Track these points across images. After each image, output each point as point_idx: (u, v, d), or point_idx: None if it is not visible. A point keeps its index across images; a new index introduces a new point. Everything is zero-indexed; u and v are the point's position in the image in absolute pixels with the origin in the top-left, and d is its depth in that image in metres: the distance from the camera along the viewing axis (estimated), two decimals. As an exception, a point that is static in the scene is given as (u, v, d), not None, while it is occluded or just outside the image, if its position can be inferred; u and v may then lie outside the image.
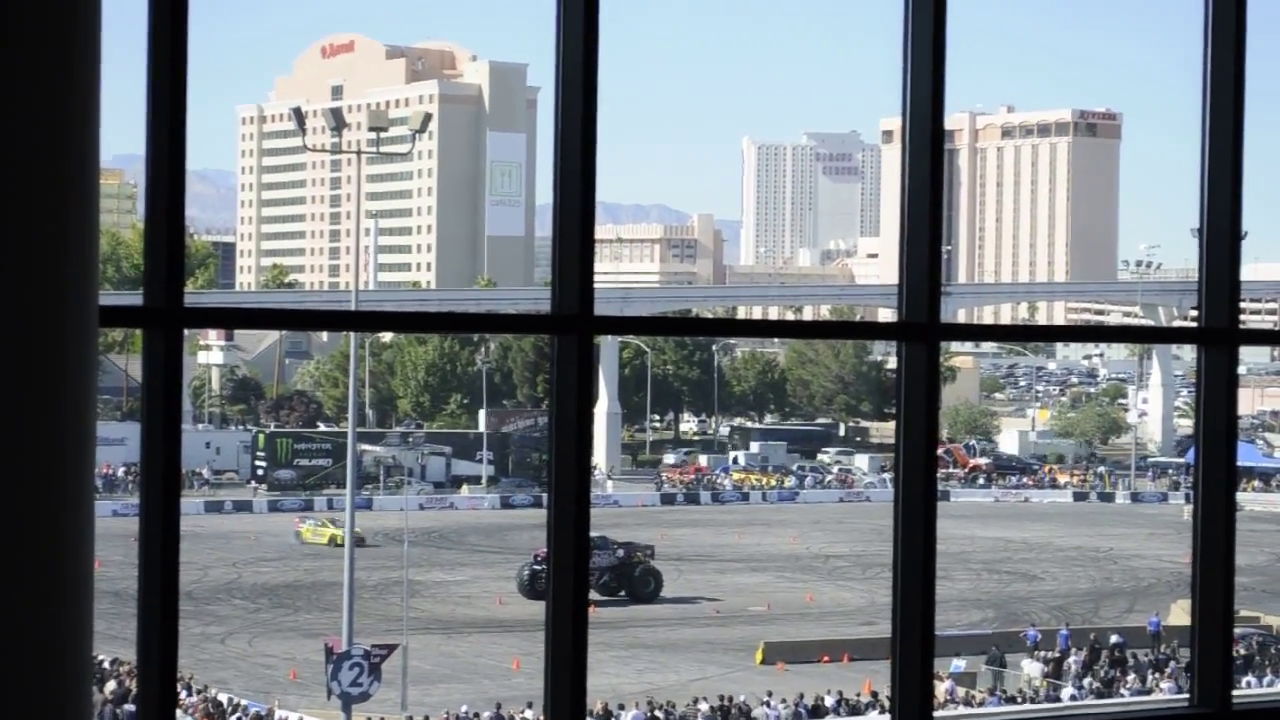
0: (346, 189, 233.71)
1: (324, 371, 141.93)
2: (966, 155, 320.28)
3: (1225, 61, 9.61)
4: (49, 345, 4.91)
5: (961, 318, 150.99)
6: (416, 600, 68.28)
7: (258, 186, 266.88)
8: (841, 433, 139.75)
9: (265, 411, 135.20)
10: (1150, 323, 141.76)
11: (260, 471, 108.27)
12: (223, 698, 49.43)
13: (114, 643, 52.03)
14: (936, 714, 8.85)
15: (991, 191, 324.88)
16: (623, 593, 71.29)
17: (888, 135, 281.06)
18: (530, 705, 46.86)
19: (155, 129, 7.17)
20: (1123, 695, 49.68)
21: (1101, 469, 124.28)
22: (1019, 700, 49.95)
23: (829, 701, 49.39)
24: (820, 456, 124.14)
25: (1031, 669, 54.96)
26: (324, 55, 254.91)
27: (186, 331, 7.66)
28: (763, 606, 71.22)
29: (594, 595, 61.90)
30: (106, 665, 49.97)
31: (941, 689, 48.54)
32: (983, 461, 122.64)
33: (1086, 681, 53.13)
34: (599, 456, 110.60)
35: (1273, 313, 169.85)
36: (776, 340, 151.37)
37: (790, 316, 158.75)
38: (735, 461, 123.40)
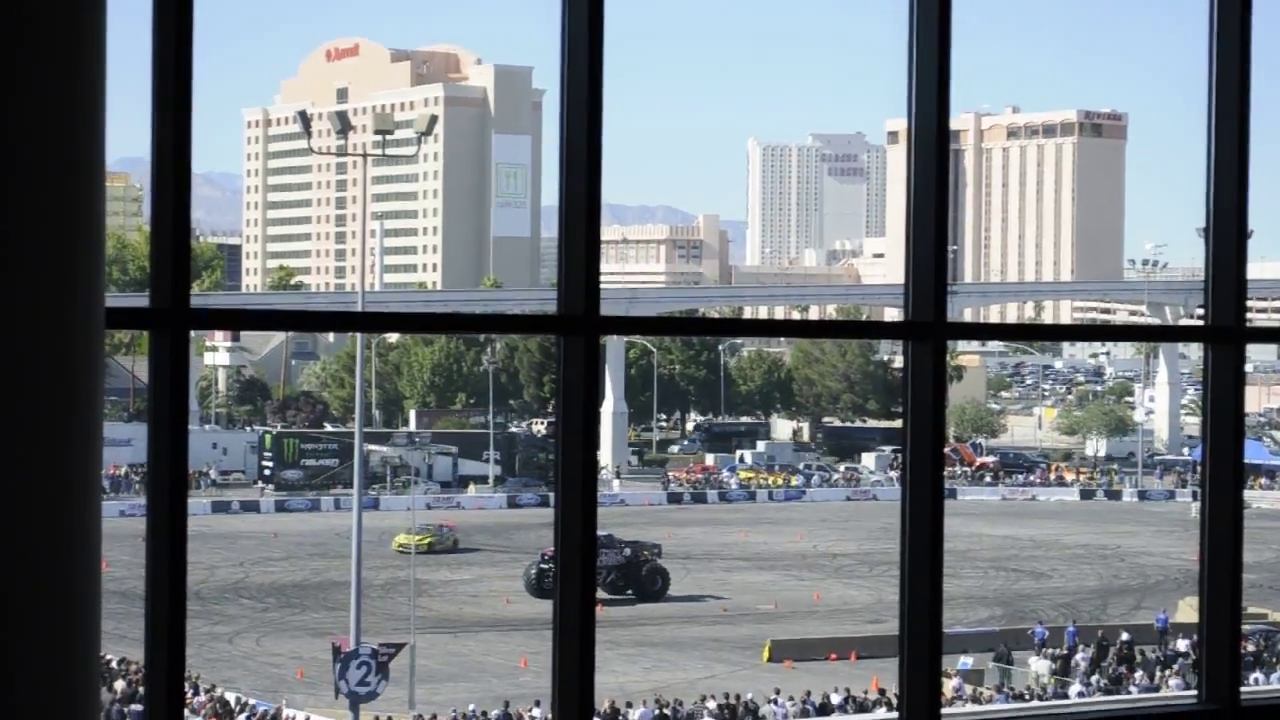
0: (352, 191, 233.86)
1: (330, 372, 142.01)
2: (972, 156, 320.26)
3: (1231, 61, 9.61)
4: (56, 347, 4.92)
5: (968, 317, 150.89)
6: (424, 599, 68.30)
7: (263, 189, 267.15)
8: (773, 431, 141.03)
9: (272, 412, 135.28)
10: (1157, 321, 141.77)
11: (267, 472, 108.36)
12: (230, 697, 49.47)
13: (122, 642, 52.08)
14: (944, 711, 8.86)
15: (997, 192, 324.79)
16: (630, 591, 71.27)
17: (893, 136, 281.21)
18: (538, 704, 46.87)
19: (161, 132, 7.18)
20: (1130, 692, 49.64)
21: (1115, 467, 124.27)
22: (1026, 697, 49.97)
23: (836, 699, 49.34)
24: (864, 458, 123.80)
25: (1039, 666, 54.94)
26: (329, 59, 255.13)
27: (193, 333, 7.67)
28: (770, 605, 71.20)
29: (601, 594, 61.98)
30: (114, 665, 50.00)
31: (949, 686, 48.53)
32: (990, 460, 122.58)
33: (1094, 679, 53.09)
34: (605, 456, 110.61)
35: (1279, 311, 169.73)
36: (782, 340, 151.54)
37: (796, 316, 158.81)
38: (742, 460, 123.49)
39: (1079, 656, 55.65)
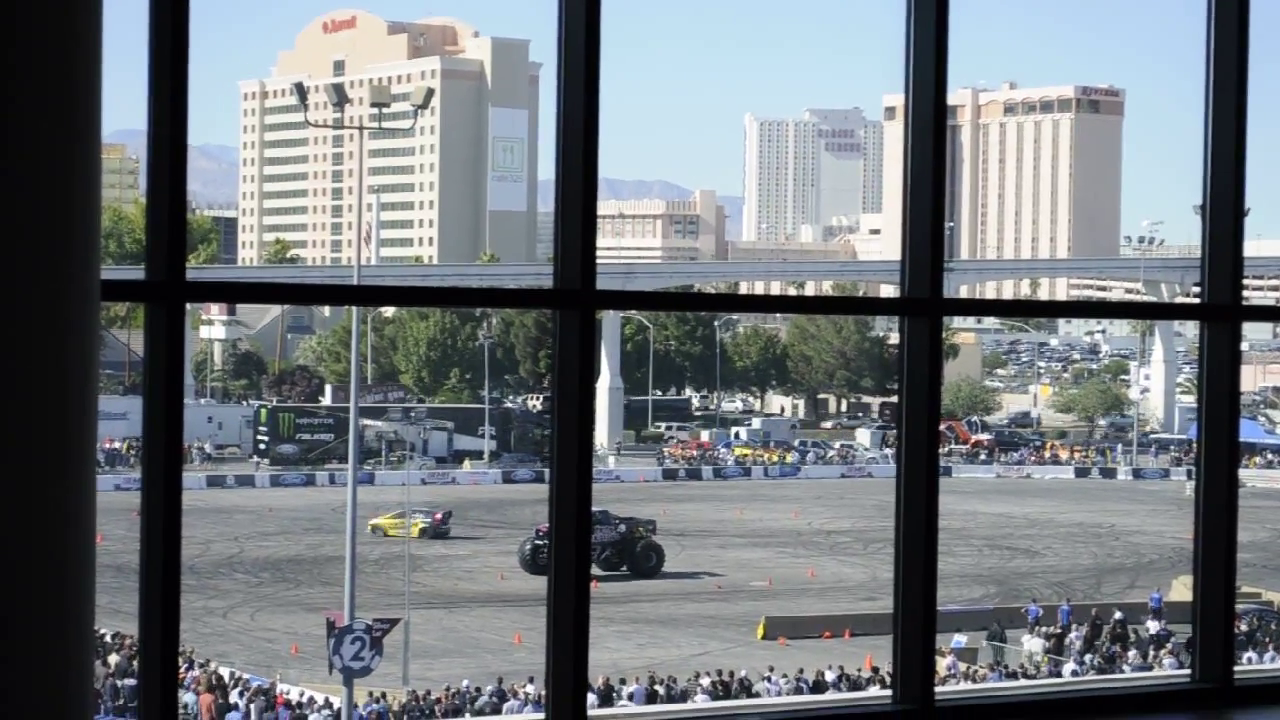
0: (348, 164, 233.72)
1: (326, 346, 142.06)
2: (969, 132, 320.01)
3: (1229, 38, 9.59)
4: (51, 320, 4.91)
5: (964, 294, 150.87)
6: (418, 575, 68.37)
7: (259, 162, 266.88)
8: (695, 406, 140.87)
9: (267, 386, 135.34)
10: (1153, 299, 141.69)
11: (262, 446, 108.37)
12: (224, 671, 49.49)
13: (116, 616, 52.12)
14: (938, 689, 8.86)
15: (994, 168, 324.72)
16: (624, 568, 71.35)
17: (890, 112, 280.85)
18: (531, 680, 46.90)
19: (157, 104, 7.16)
20: (1124, 671, 49.70)
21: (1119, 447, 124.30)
22: (1020, 676, 50.01)
23: (830, 676, 49.36)
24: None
25: (1033, 645, 54.97)
26: (326, 31, 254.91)
27: (189, 306, 7.66)
28: (764, 582, 71.28)
29: (596, 570, 62.01)
30: (109, 639, 50.03)
31: (943, 664, 48.58)
32: (984, 437, 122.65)
33: (1088, 657, 53.14)
34: (601, 432, 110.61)
35: (1276, 289, 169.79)
36: (779, 316, 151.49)
37: (792, 292, 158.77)
38: (737, 436, 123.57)
39: (1073, 635, 55.70)
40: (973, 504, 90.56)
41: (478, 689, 47.95)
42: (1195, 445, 9.81)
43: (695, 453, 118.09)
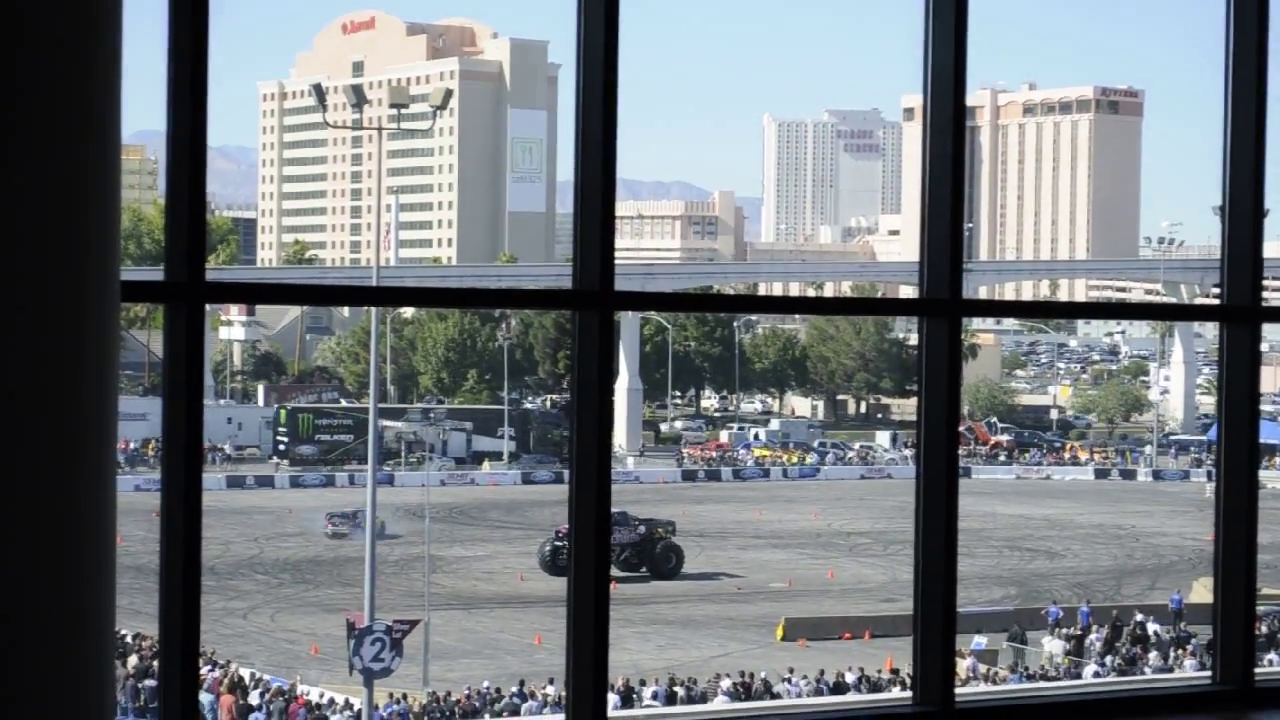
0: (367, 165, 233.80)
1: (345, 347, 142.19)
2: (988, 132, 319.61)
3: (1248, 37, 9.57)
4: (71, 320, 4.92)
5: (983, 295, 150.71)
6: (438, 576, 68.39)
7: (279, 162, 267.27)
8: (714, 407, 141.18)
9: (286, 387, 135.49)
10: (1172, 300, 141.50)
11: (282, 447, 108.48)
12: (245, 673, 49.55)
13: (136, 618, 52.19)
14: (958, 691, 8.85)
15: (1013, 169, 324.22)
16: (644, 569, 71.30)
17: (909, 112, 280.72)
18: (552, 681, 46.94)
19: (176, 105, 7.17)
20: (1144, 673, 49.62)
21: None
22: (1040, 677, 49.95)
23: (850, 678, 49.32)
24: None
25: (1053, 646, 54.91)
26: (345, 32, 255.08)
27: (208, 307, 7.67)
28: (784, 583, 71.23)
29: (615, 572, 62.00)
30: (129, 640, 50.11)
31: (963, 666, 48.53)
32: (1004, 439, 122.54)
33: (1109, 659, 53.05)
34: (620, 433, 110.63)
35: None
36: (797, 317, 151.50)
37: (811, 293, 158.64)
38: (756, 438, 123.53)
39: (1093, 637, 55.62)
40: (992, 505, 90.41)
41: (498, 690, 47.95)
42: (1215, 446, 9.79)
43: (714, 454, 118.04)
